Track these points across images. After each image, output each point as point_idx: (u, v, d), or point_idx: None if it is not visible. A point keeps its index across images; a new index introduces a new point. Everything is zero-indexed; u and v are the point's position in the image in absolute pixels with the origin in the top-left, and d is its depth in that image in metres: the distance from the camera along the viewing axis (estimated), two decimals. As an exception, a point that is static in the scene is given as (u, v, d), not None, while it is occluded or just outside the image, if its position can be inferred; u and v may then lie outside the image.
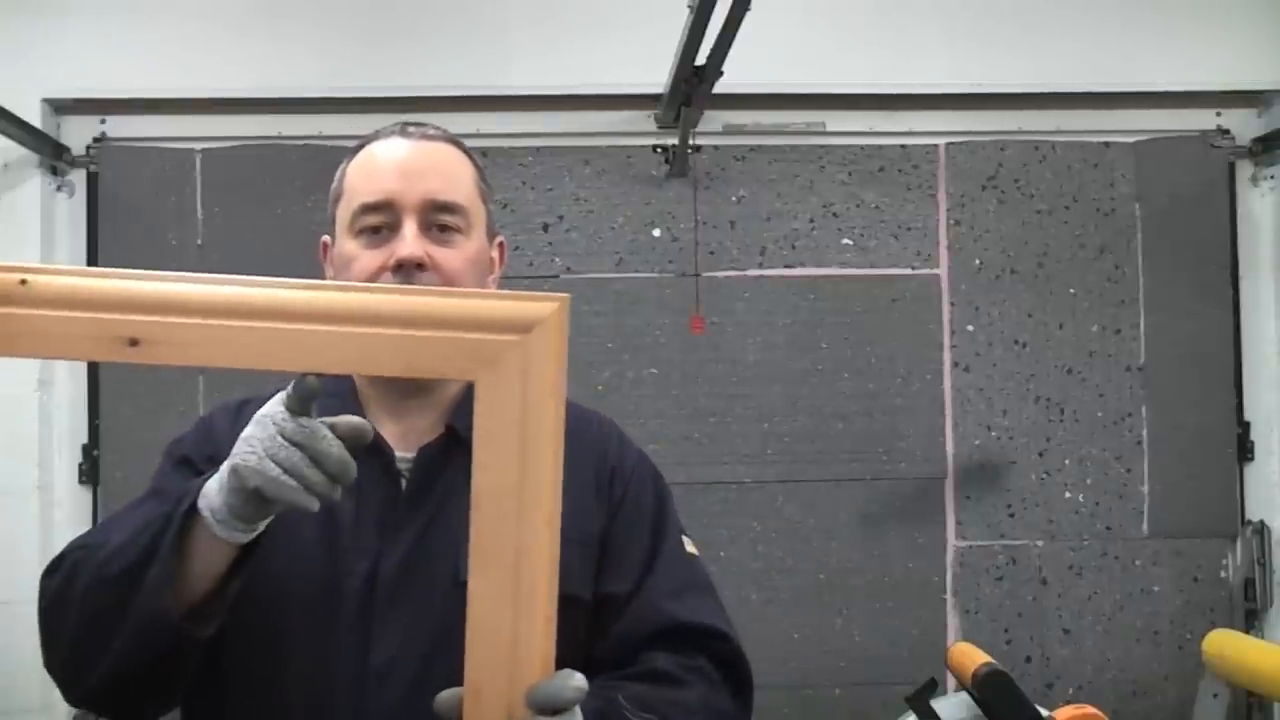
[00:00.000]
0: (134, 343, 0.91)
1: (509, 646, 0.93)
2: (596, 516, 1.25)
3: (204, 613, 1.05)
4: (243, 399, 1.31)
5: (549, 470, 0.93)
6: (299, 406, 0.97)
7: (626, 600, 1.22)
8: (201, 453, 1.24)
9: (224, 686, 1.17)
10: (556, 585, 0.94)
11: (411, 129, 1.27)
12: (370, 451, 1.20)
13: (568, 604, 1.20)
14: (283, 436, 0.97)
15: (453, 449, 1.20)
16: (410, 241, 1.20)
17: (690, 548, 1.30)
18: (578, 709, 0.97)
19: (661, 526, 1.29)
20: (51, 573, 1.13)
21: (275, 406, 0.99)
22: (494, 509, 0.93)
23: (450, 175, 1.25)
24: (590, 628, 1.22)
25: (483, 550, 0.93)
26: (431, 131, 1.28)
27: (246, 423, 1.26)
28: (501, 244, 1.33)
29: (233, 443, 1.24)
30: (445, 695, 0.97)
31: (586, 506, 1.24)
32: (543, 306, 0.93)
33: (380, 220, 1.22)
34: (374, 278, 1.20)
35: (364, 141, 1.28)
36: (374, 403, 1.24)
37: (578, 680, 0.95)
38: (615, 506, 1.27)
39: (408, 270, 1.19)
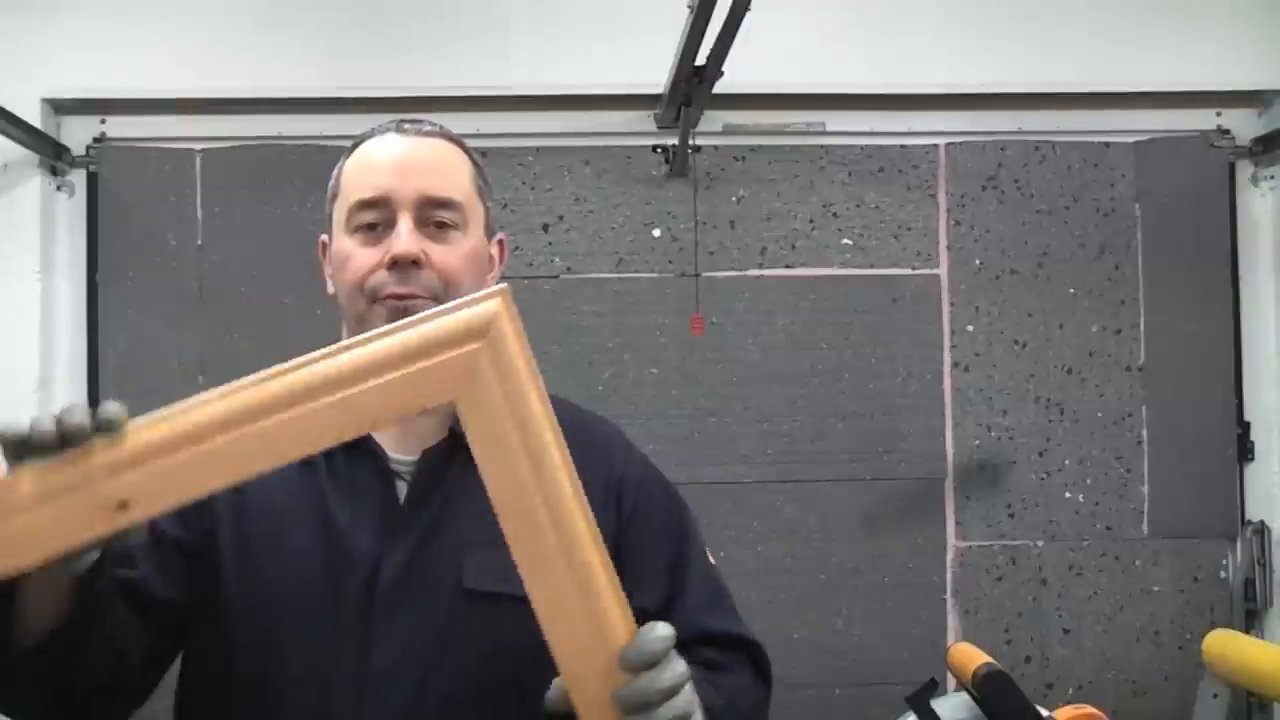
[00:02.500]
0: (124, 506, 0.88)
1: (588, 628, 0.95)
2: (604, 525, 1.25)
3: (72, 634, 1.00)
4: None
5: (554, 450, 0.94)
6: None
7: (658, 614, 1.22)
8: None
9: (221, 692, 1.17)
10: (605, 549, 0.96)
11: (407, 125, 1.27)
12: (362, 455, 1.20)
13: None
14: None
15: (457, 453, 1.18)
16: (405, 238, 1.19)
17: (709, 556, 1.31)
18: (673, 653, 0.97)
19: (684, 535, 1.29)
20: None
21: None
22: (519, 510, 0.94)
23: (446, 171, 1.24)
24: None
25: (526, 554, 0.94)
26: (427, 128, 1.27)
27: None
28: (501, 242, 1.33)
29: None
30: (552, 691, 0.99)
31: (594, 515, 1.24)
32: (489, 305, 0.94)
33: (376, 217, 1.21)
34: (370, 275, 1.20)
35: (360, 139, 1.28)
36: None
37: (661, 630, 0.96)
38: (628, 518, 1.26)
39: (403, 267, 1.18)
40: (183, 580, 1.15)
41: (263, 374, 0.91)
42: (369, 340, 0.93)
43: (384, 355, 0.92)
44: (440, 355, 0.92)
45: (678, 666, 0.97)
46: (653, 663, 0.94)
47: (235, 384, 0.90)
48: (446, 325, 0.93)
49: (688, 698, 0.98)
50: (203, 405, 0.90)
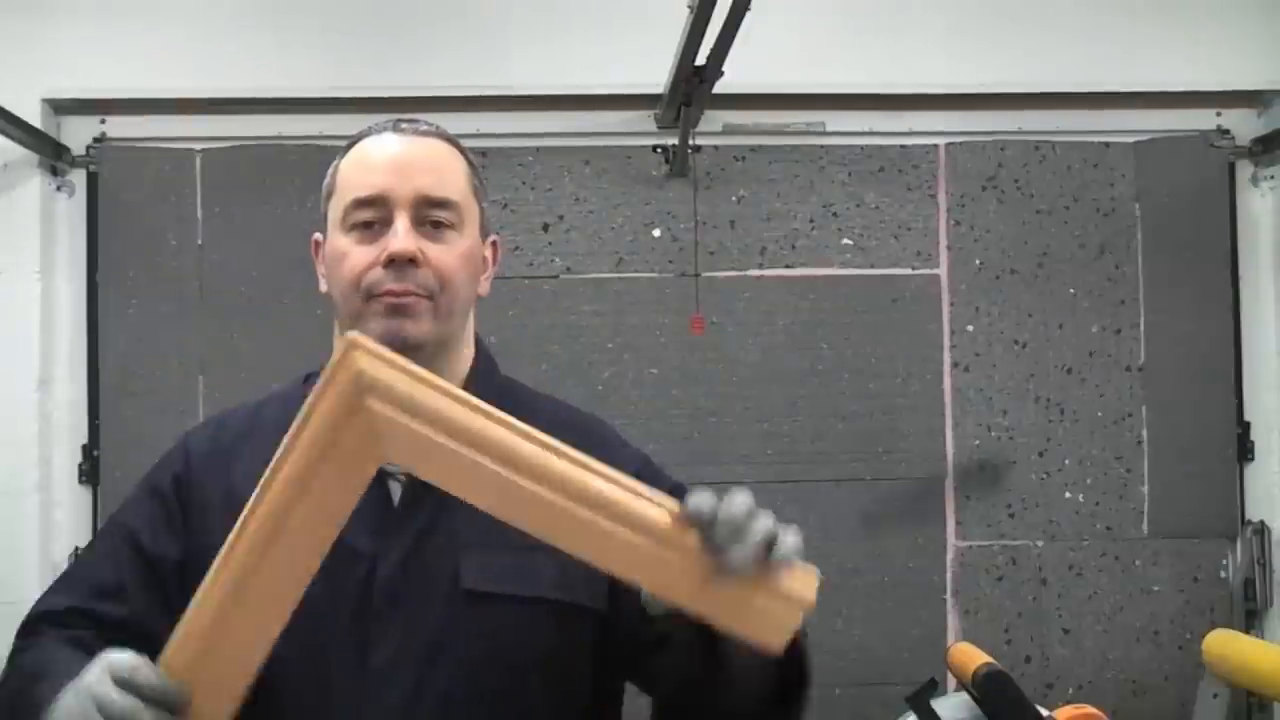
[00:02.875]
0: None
1: (639, 538, 0.94)
2: None
3: None
4: (227, 409, 1.30)
5: (495, 426, 0.94)
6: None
7: None
8: (170, 471, 1.24)
9: None
10: (599, 463, 0.96)
11: (404, 125, 1.26)
12: None
13: (572, 613, 1.18)
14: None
15: None
16: (403, 237, 1.18)
17: None
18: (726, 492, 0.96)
19: None
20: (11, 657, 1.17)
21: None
22: (511, 502, 0.94)
23: (443, 171, 1.24)
24: (606, 635, 1.21)
25: (546, 527, 0.95)
26: (424, 127, 1.27)
27: (230, 435, 1.25)
28: (495, 243, 1.32)
29: (204, 461, 1.23)
30: (645, 594, 1.01)
31: None
32: (347, 363, 0.93)
33: (372, 215, 1.21)
34: (365, 272, 1.19)
35: (356, 138, 1.28)
36: None
37: (700, 492, 0.95)
38: None
39: (400, 266, 1.18)
40: (180, 603, 1.14)
41: (230, 542, 0.96)
42: (284, 456, 0.95)
43: (316, 445, 0.94)
44: (344, 431, 0.93)
45: (741, 494, 0.96)
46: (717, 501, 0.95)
47: (216, 564, 0.97)
48: (328, 410, 0.94)
49: (770, 520, 0.97)
50: (205, 600, 0.97)
